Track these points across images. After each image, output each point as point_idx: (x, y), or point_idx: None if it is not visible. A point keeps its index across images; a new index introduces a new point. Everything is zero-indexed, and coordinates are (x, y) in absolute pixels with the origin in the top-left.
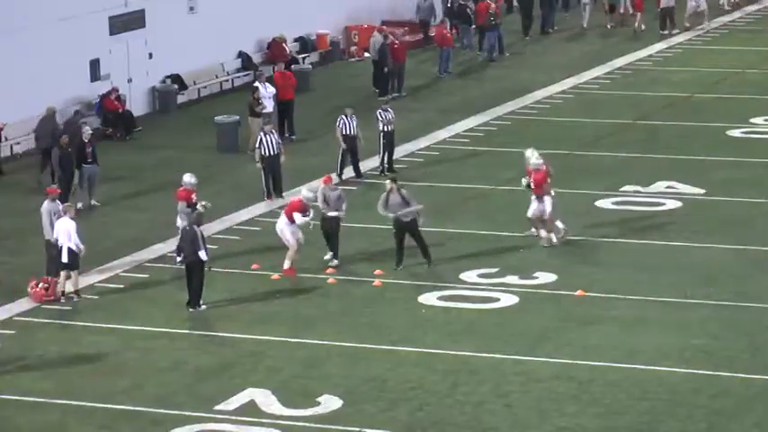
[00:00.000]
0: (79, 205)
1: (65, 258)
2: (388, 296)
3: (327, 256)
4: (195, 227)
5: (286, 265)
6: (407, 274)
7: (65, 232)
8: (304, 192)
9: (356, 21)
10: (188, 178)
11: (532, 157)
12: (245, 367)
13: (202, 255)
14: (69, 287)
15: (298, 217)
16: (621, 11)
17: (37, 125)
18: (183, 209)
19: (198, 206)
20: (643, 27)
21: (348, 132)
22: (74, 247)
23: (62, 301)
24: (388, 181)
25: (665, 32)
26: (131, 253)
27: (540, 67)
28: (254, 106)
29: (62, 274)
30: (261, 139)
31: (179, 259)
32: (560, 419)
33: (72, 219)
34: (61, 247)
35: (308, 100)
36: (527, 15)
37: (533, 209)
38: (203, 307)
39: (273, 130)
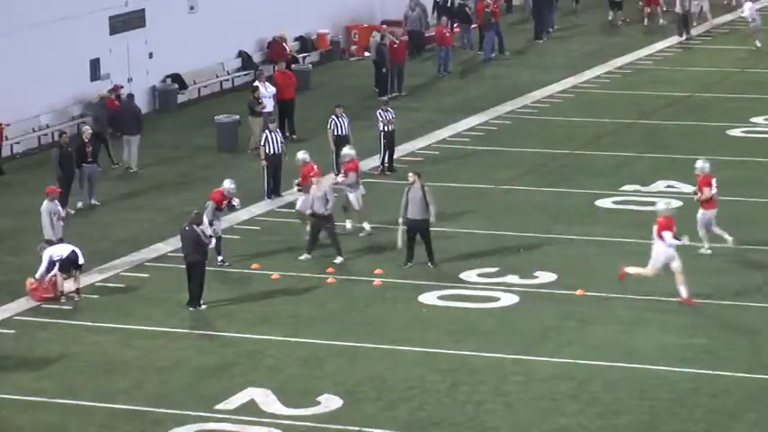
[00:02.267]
0: (79, 204)
1: (81, 260)
2: (389, 295)
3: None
4: (195, 227)
5: (684, 294)
6: (407, 273)
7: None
8: (659, 205)
9: (356, 20)
10: (228, 184)
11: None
12: (246, 367)
13: (212, 236)
14: (71, 286)
15: (668, 236)
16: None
17: (94, 110)
18: (212, 210)
19: (234, 203)
20: (661, 22)
21: (340, 132)
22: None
23: (62, 300)
24: (410, 174)
25: (683, 38)
26: (131, 252)
27: (541, 67)
28: (255, 106)
29: (58, 274)
30: (266, 137)
31: (220, 258)
32: (560, 419)
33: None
34: (69, 253)
35: (309, 99)
36: (539, 18)
37: (300, 202)
38: (203, 307)
39: (278, 129)
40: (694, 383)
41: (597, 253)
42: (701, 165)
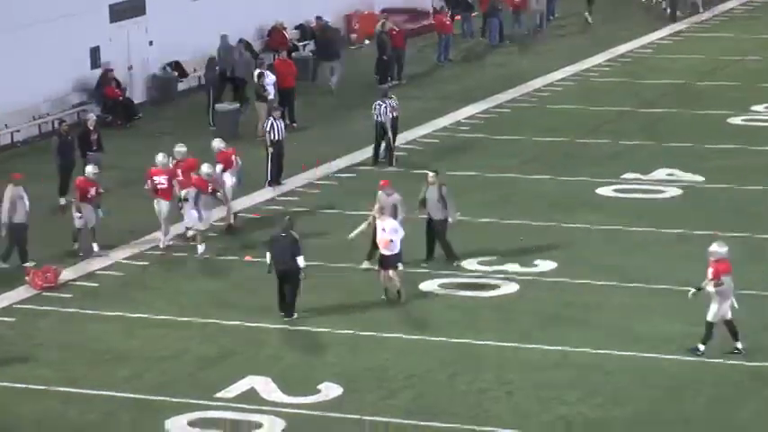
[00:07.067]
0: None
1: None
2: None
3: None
4: (291, 233)
5: None
6: (408, 262)
7: None
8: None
9: (356, 8)
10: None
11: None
12: (246, 355)
13: (300, 261)
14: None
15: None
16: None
17: (205, 69)
18: None
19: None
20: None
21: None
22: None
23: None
24: (430, 174)
25: (675, 21)
26: (132, 241)
27: (541, 55)
28: (261, 91)
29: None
30: (271, 124)
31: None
32: (561, 407)
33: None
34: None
35: (308, 88)
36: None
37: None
38: (295, 316)
39: (281, 117)
40: (695, 371)
41: (598, 241)
42: None
